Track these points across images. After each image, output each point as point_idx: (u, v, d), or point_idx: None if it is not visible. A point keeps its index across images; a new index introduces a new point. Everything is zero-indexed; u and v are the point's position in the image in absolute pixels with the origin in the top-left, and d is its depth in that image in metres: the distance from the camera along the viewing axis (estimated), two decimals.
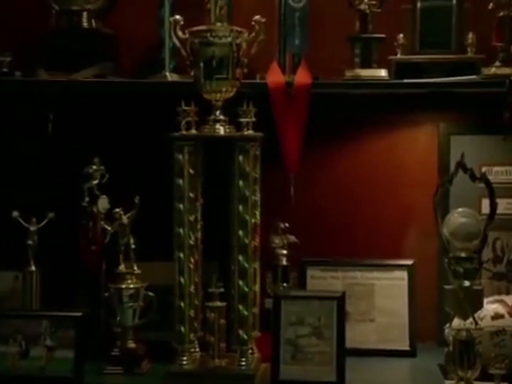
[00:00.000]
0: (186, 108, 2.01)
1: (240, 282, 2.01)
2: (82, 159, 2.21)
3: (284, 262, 2.25)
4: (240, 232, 2.00)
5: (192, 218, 2.03)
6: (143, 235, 2.15)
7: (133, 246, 2.14)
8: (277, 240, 2.26)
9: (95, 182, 2.20)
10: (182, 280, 2.01)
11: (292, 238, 2.26)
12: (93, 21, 2.31)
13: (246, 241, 2.00)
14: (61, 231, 2.23)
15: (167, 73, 2.26)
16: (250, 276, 2.01)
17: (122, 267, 2.13)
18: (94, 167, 2.21)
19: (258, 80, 2.19)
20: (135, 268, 2.14)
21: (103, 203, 2.17)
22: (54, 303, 2.15)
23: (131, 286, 2.12)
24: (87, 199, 2.20)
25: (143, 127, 2.31)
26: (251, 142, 2.00)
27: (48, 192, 2.31)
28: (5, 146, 2.39)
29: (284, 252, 2.25)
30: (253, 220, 2.03)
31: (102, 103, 2.28)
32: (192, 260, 2.03)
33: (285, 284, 2.24)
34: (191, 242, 2.02)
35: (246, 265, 2.01)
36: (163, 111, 2.04)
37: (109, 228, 2.16)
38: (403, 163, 2.37)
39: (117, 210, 2.14)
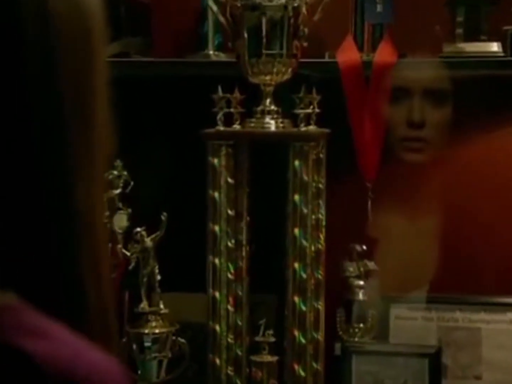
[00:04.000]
0: (225, 95, 1.52)
1: (296, 332, 1.51)
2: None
3: (361, 296, 1.79)
4: (296, 265, 1.50)
5: (231, 243, 1.53)
6: (173, 260, 1.70)
7: (158, 277, 1.67)
8: (351, 268, 1.80)
9: (117, 191, 1.75)
10: (217, 327, 1.53)
11: (371, 265, 1.79)
12: None
13: (304, 275, 1.51)
14: None
15: (211, 51, 1.82)
16: (309, 322, 1.53)
17: (144, 305, 1.67)
18: (115, 172, 1.74)
19: (326, 59, 1.73)
20: (162, 306, 1.66)
21: (120, 220, 1.72)
22: None
23: (156, 330, 1.65)
24: (106, 213, 1.75)
25: (179, 121, 1.86)
26: (311, 142, 1.50)
27: None
28: None
29: (361, 283, 1.79)
30: (315, 247, 1.53)
31: (125, 89, 1.73)
32: (231, 299, 1.54)
33: (361, 325, 1.78)
34: (230, 276, 1.53)
35: (304, 308, 1.52)
36: (204, 101, 1.58)
37: (127, 253, 1.69)
38: None
39: (138, 229, 1.67)
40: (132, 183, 1.76)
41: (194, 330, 1.75)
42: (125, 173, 1.76)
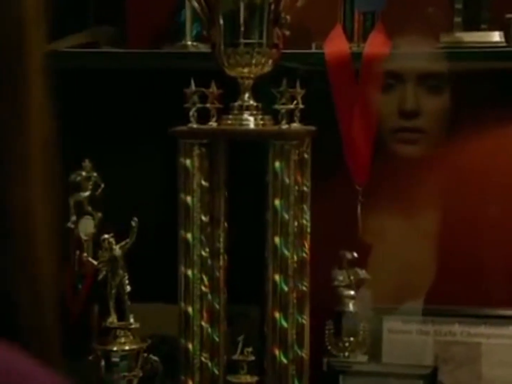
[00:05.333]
0: (198, 89, 1.38)
1: (276, 350, 1.37)
2: (67, 162, 1.62)
3: (351, 307, 1.67)
4: (276, 277, 1.36)
5: (205, 252, 1.39)
6: (144, 270, 1.59)
7: (128, 289, 1.53)
8: (341, 277, 1.68)
9: (85, 194, 1.63)
10: (189, 345, 1.39)
11: (363, 273, 1.67)
12: None
13: (286, 288, 1.37)
14: None
15: (189, 42, 1.69)
16: (291, 339, 1.38)
17: (112, 319, 1.53)
18: (84, 173, 1.63)
19: (312, 50, 1.61)
20: (132, 320, 1.53)
21: (86, 225, 1.59)
22: None
23: (126, 347, 1.52)
24: (73, 218, 1.62)
25: (153, 118, 1.74)
26: (294, 141, 1.36)
27: None
28: None
29: (351, 293, 1.67)
30: (298, 256, 1.40)
31: (94, 82, 1.74)
32: (205, 314, 1.40)
33: (352, 339, 1.66)
34: (204, 288, 1.39)
35: (285, 324, 1.37)
36: (180, 96, 1.45)
37: (94, 262, 1.56)
38: None
39: (106, 236, 1.53)
40: (102, 185, 1.64)
41: (168, 345, 1.63)
42: (95, 174, 1.64)
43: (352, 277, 1.67)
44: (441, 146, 1.67)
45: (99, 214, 1.63)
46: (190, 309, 1.38)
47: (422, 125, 1.61)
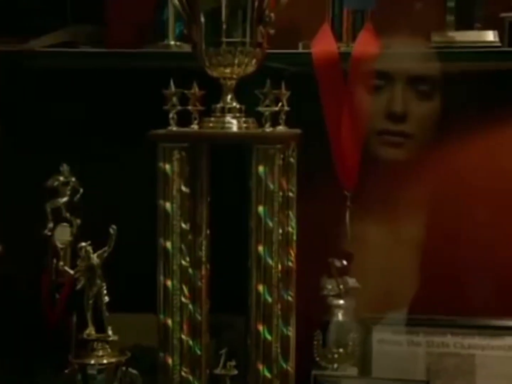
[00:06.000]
0: (178, 90, 1.33)
1: (260, 365, 1.31)
2: (44, 167, 1.62)
3: (340, 317, 1.64)
4: (260, 287, 1.31)
5: (186, 261, 1.34)
6: (124, 279, 1.56)
7: (106, 299, 1.48)
8: (330, 286, 1.65)
9: (63, 200, 1.59)
10: (168, 360, 1.33)
11: (352, 282, 1.64)
12: None
13: (269, 299, 1.32)
14: (15, 272, 1.67)
15: (172, 42, 1.67)
16: (276, 353, 1.33)
17: (90, 331, 1.48)
18: (62, 178, 1.60)
19: (299, 50, 1.58)
20: (110, 332, 1.48)
21: (62, 233, 1.55)
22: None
23: (104, 360, 1.47)
24: (50, 225, 1.58)
25: (135, 120, 1.69)
26: (278, 145, 1.30)
27: None
28: None
29: (341, 302, 1.64)
30: (283, 265, 1.34)
31: (72, 84, 1.72)
32: (185, 326, 1.34)
33: (341, 350, 1.62)
34: (184, 299, 1.34)
35: (269, 337, 1.32)
36: (163, 97, 1.40)
37: (71, 271, 1.50)
38: None
39: (83, 244, 1.48)
40: (81, 190, 1.61)
41: (150, 357, 1.57)
42: (73, 179, 1.60)
43: (341, 286, 1.64)
44: (430, 150, 1.64)
45: (78, 221, 1.60)
46: (169, 321, 1.33)
47: (409, 129, 1.57)
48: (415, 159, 1.63)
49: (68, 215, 1.59)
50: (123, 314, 1.63)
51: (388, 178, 1.64)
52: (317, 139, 1.51)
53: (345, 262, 1.62)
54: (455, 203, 1.71)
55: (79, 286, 1.52)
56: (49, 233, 1.58)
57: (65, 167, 1.59)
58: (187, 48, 1.59)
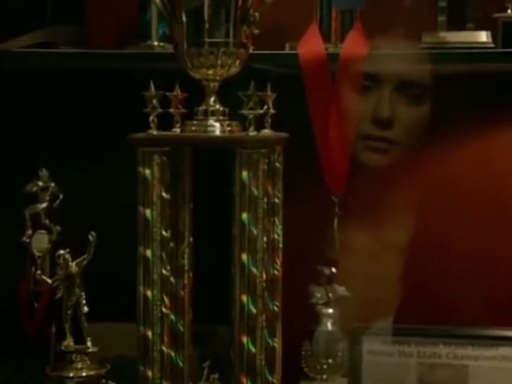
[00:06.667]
0: (158, 92, 1.28)
1: (243, 379, 1.27)
2: (23, 171, 1.60)
3: (329, 326, 1.60)
4: (244, 297, 1.26)
5: (166, 270, 1.29)
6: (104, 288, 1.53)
7: (85, 309, 1.44)
8: (318, 294, 1.61)
9: (42, 206, 1.56)
10: (148, 373, 1.28)
11: (342, 290, 1.61)
12: None
13: (254, 310, 1.27)
14: None
15: (155, 42, 1.64)
16: (260, 366, 1.28)
17: (68, 343, 1.44)
18: (41, 183, 1.57)
19: (286, 51, 1.55)
20: (89, 344, 1.44)
21: (39, 240, 1.51)
22: None
23: (83, 373, 1.43)
24: (29, 232, 1.55)
25: (116, 123, 1.64)
26: (263, 149, 1.26)
27: None
28: None
29: (330, 311, 1.60)
30: (269, 273, 1.30)
31: (52, 85, 1.69)
32: (166, 338, 1.30)
33: (330, 361, 1.58)
34: (165, 309, 1.29)
35: (253, 349, 1.27)
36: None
37: (48, 280, 1.47)
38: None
39: (61, 252, 1.44)
40: (61, 196, 1.58)
41: (132, 369, 1.53)
42: (53, 184, 1.58)
43: (330, 294, 1.60)
44: (420, 155, 1.60)
45: (57, 228, 1.56)
46: (149, 333, 1.28)
47: (395, 135, 1.54)
48: (403, 165, 1.60)
49: (47, 221, 1.57)
50: (106, 324, 1.61)
51: (376, 184, 1.61)
52: (304, 143, 1.48)
53: (334, 270, 1.59)
54: (445, 210, 1.69)
55: (59, 295, 1.49)
56: (28, 240, 1.55)
57: (44, 172, 1.57)
58: (170, 49, 1.55)
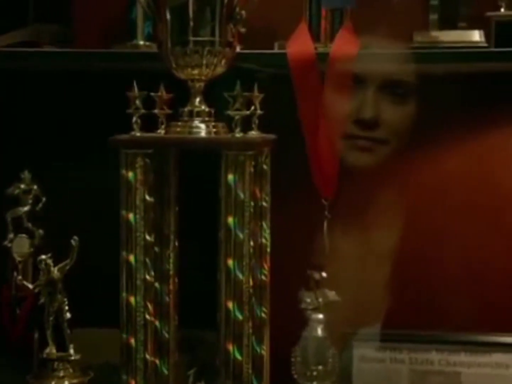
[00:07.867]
0: (141, 92, 1.25)
1: None
2: (4, 173, 1.56)
3: (320, 332, 1.53)
4: (230, 304, 1.22)
5: (150, 276, 1.25)
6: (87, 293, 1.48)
7: (68, 316, 1.40)
8: (308, 299, 1.55)
9: (25, 209, 1.52)
10: (132, 382, 1.24)
11: (332, 295, 1.55)
12: None
13: (240, 317, 1.23)
14: None
15: (141, 42, 1.60)
16: (247, 374, 1.25)
17: (50, 350, 1.41)
18: (23, 186, 1.53)
19: (275, 50, 1.51)
20: (72, 351, 1.41)
21: (20, 245, 1.47)
22: None
23: (65, 382, 1.40)
24: (11, 236, 1.50)
25: (100, 125, 1.57)
26: (249, 151, 1.22)
27: None
28: None
29: (320, 316, 1.53)
30: (256, 279, 1.27)
31: (34, 86, 1.65)
32: (150, 345, 1.26)
33: (320, 367, 1.51)
34: (148, 316, 1.25)
35: (240, 357, 1.23)
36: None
37: (30, 286, 1.42)
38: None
39: (43, 257, 1.41)
40: (44, 199, 1.53)
41: (116, 376, 1.49)
42: (35, 187, 1.53)
43: (320, 299, 1.54)
44: (409, 157, 1.56)
45: (40, 231, 1.52)
46: (132, 341, 1.24)
47: (380, 135, 1.49)
48: (394, 167, 1.56)
49: (29, 225, 1.52)
50: (90, 329, 1.57)
51: (366, 187, 1.57)
52: (293, 145, 1.44)
53: (324, 274, 1.54)
54: (436, 213, 1.65)
55: (42, 300, 1.45)
56: (9, 245, 1.50)
57: (26, 174, 1.52)
58: (156, 48, 1.55)
